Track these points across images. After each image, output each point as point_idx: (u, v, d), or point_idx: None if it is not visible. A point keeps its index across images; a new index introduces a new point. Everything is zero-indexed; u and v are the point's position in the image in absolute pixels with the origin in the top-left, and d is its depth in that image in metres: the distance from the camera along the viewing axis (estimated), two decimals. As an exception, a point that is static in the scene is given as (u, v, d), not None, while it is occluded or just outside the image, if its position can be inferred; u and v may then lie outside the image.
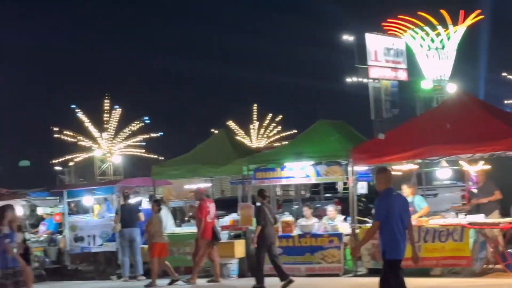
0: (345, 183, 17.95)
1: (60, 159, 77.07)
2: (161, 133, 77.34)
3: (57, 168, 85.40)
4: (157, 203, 15.89)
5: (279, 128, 79.49)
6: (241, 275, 15.90)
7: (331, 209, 16.20)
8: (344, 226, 15.29)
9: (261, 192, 14.34)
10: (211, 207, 15.30)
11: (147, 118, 76.56)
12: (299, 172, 15.76)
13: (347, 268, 15.00)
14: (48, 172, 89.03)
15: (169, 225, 17.66)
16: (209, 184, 19.63)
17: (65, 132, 71.77)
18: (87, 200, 18.34)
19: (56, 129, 71.11)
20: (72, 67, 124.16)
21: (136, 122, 75.66)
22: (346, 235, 14.92)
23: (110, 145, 75.53)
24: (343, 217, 15.92)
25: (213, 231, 15.09)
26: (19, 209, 17.68)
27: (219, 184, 26.18)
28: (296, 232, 15.50)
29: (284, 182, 17.06)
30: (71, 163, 79.88)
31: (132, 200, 17.13)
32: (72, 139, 73.09)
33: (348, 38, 44.30)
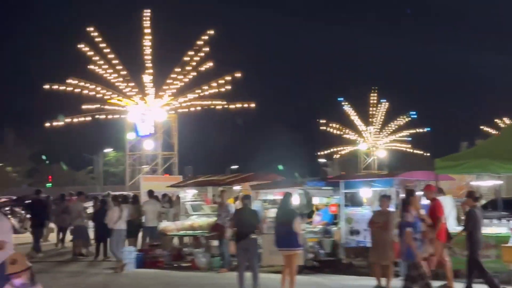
0: None
1: (325, 151, 78.20)
2: (429, 129, 75.19)
3: (321, 160, 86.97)
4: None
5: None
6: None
7: None
8: None
9: (471, 194, 13.40)
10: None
11: (414, 113, 74.90)
12: None
13: None
14: (312, 163, 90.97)
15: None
16: (499, 182, 17.85)
17: (331, 124, 72.43)
18: (364, 192, 17.50)
19: (322, 121, 71.96)
20: (340, 60, 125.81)
21: (402, 117, 74.34)
22: None
23: (375, 139, 75.03)
24: None
25: (447, 232, 14.03)
26: (296, 197, 17.36)
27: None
28: None
29: None
30: (335, 156, 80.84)
31: (413, 195, 15.93)
32: (338, 132, 73.58)
33: None
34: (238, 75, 43.29)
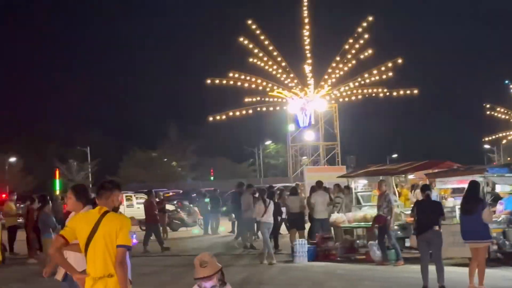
0: None
1: (491, 137, 74.60)
2: None
3: (486, 146, 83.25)
4: None
5: None
6: None
7: None
8: None
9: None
10: None
11: None
12: None
13: None
14: (476, 149, 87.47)
15: None
16: None
17: (497, 109, 69.09)
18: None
19: (488, 105, 68.81)
20: (506, 41, 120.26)
21: None
22: None
23: (546, 123, 70.75)
24: None
25: None
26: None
27: None
28: None
29: None
30: (503, 141, 77.08)
31: None
32: (505, 117, 70.05)
33: None
34: (399, 61, 42.07)
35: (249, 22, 42.38)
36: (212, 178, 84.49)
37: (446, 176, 17.64)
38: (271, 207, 18.67)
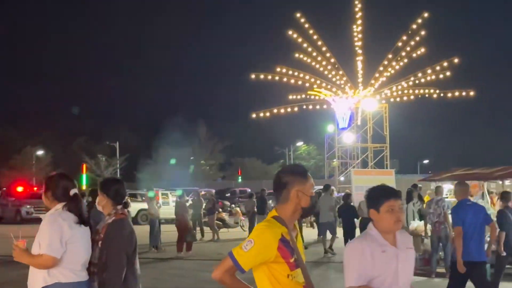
0: None
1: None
2: None
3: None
4: None
5: None
6: None
7: None
8: None
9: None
10: None
11: None
12: None
13: None
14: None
15: None
16: None
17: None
18: None
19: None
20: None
21: None
22: None
23: None
24: None
25: None
26: None
27: None
28: None
29: None
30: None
31: None
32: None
33: None
34: (456, 60, 39.80)
35: (298, 15, 40.30)
36: (239, 178, 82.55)
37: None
38: None
